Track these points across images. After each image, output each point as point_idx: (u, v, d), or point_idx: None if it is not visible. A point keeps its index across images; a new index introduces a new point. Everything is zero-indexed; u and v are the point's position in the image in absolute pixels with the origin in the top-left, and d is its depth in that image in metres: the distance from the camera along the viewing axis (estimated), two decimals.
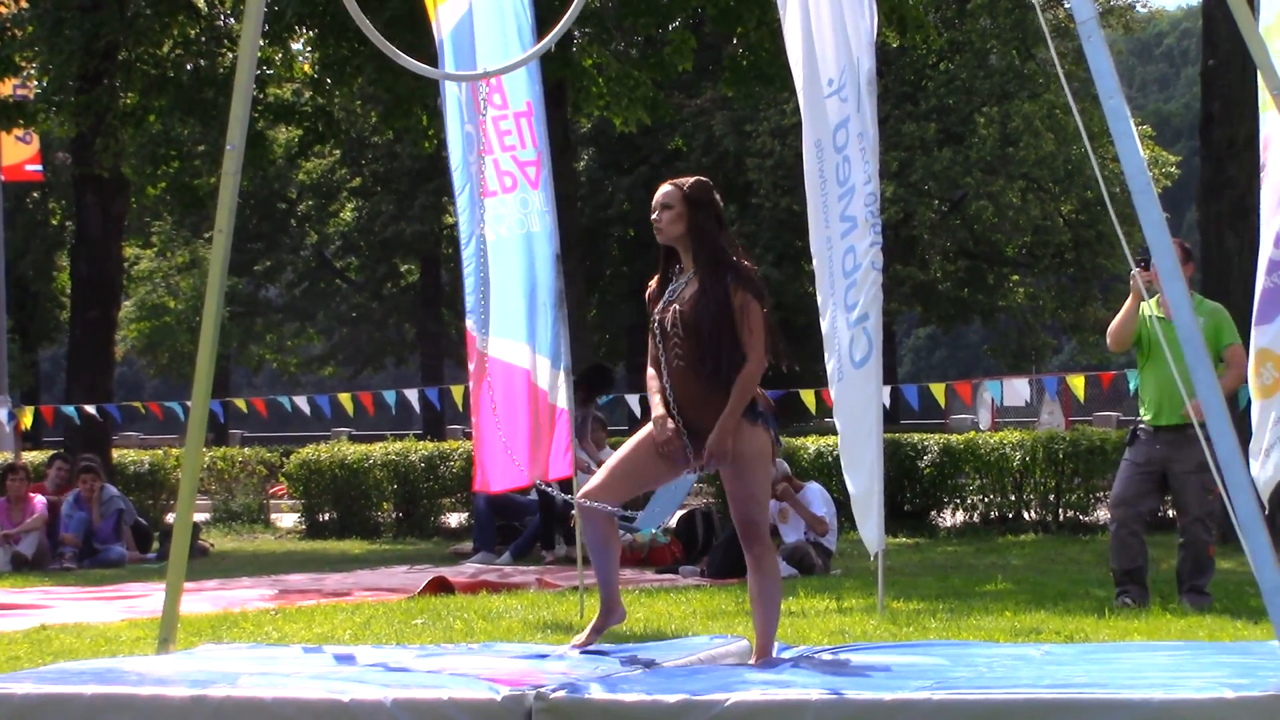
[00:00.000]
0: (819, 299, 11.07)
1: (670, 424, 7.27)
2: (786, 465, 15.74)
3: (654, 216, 7.31)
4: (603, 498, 7.36)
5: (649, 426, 7.42)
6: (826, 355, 11.00)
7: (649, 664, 6.98)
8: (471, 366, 11.03)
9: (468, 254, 11.10)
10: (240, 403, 23.00)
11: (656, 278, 7.47)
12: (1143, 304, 10.93)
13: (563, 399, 10.89)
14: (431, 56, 11.17)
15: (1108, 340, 11.23)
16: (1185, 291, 6.53)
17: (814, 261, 11.12)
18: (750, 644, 8.20)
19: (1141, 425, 10.97)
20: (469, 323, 11.08)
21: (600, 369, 18.89)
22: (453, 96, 11.24)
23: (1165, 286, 6.53)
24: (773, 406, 7.29)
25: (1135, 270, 10.80)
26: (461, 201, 11.18)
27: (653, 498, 16.72)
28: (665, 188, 7.35)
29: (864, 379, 10.74)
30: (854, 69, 10.67)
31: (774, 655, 7.42)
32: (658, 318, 7.34)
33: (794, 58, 11.22)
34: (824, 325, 11.02)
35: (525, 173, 10.83)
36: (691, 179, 7.37)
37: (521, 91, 10.91)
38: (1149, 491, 11.07)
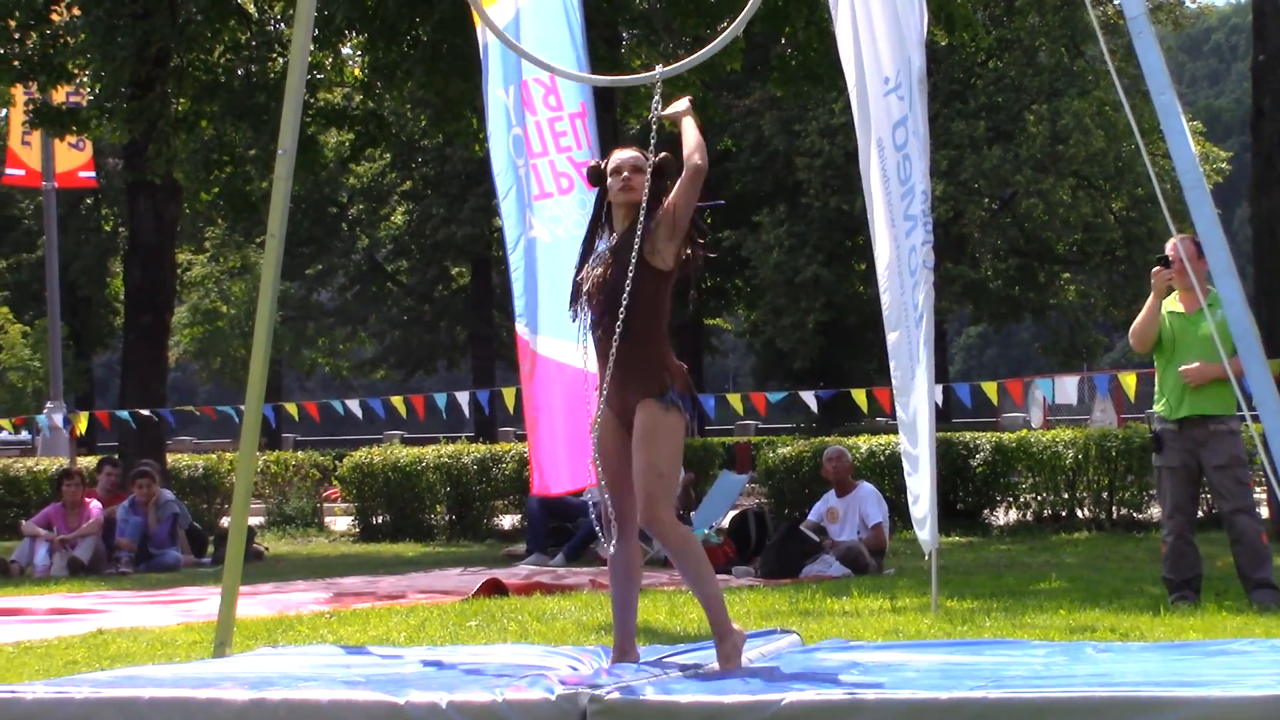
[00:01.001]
0: (884, 300, 11.01)
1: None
2: (849, 455, 15.71)
3: (624, 175, 7.09)
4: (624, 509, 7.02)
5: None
6: (892, 361, 10.96)
7: (703, 664, 6.98)
8: (524, 369, 11.03)
9: (515, 257, 11.12)
10: (292, 407, 23.08)
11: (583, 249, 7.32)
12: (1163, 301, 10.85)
13: None
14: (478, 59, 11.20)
15: (1131, 341, 11.05)
16: (1239, 287, 6.50)
17: (878, 263, 11.07)
18: (800, 637, 8.21)
19: (1165, 426, 10.76)
20: (520, 325, 11.09)
21: None
22: (497, 101, 11.25)
23: (1218, 282, 6.50)
24: (690, 389, 7.04)
25: (1155, 269, 10.75)
26: (506, 205, 11.18)
27: (705, 497, 16.73)
28: (634, 152, 7.16)
29: (918, 378, 10.75)
30: (908, 67, 10.66)
31: (730, 626, 7.04)
32: (576, 283, 7.18)
33: (846, 56, 11.19)
34: (889, 328, 10.98)
35: (582, 173, 10.85)
36: (662, 153, 7.10)
37: (575, 93, 10.93)
38: (1196, 494, 10.96)
